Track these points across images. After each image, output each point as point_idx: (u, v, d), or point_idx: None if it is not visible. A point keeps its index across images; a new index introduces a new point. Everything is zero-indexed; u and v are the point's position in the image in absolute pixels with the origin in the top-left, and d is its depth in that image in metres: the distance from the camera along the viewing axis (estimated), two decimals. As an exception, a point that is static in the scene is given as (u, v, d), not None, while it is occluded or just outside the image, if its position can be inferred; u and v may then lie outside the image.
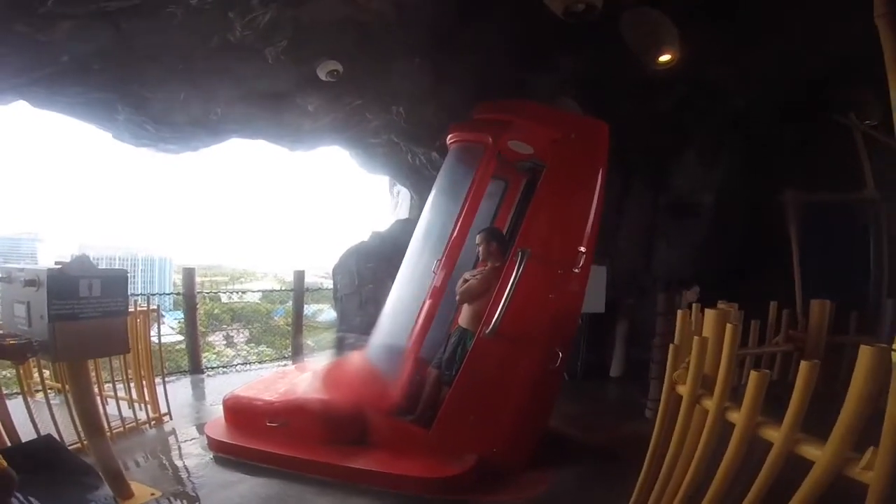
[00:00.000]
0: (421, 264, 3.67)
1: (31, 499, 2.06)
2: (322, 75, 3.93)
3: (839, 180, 4.36)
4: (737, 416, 1.66)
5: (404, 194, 7.34)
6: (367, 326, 4.47)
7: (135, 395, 3.76)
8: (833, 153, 4.47)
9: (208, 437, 3.36)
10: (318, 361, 4.72)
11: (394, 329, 3.59)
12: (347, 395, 3.33)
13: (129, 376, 3.74)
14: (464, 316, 3.40)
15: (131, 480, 2.67)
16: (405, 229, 5.56)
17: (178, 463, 3.23)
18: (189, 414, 4.15)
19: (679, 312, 2.18)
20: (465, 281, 3.40)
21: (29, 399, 3.06)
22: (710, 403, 1.77)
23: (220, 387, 4.69)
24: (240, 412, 3.43)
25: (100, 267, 2.54)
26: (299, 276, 6.49)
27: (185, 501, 2.75)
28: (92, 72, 3.52)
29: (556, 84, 4.66)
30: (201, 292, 7.34)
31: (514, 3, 3.79)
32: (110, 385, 3.69)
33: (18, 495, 2.00)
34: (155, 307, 4.17)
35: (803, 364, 1.47)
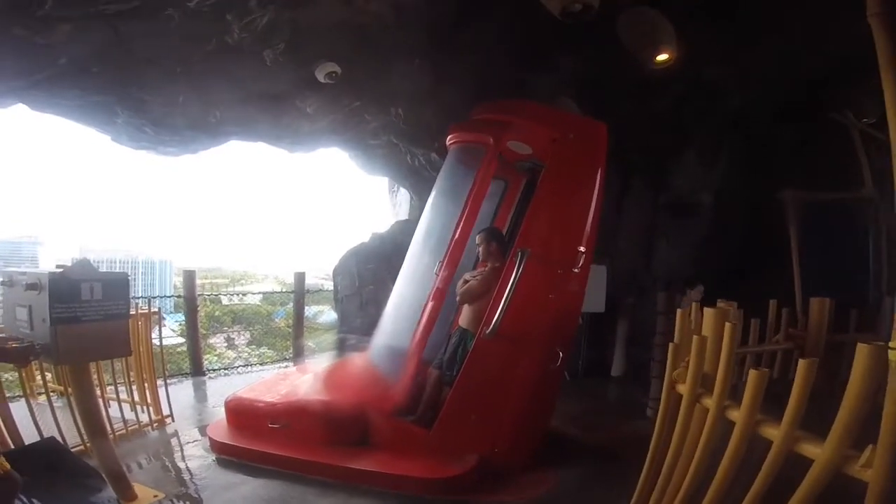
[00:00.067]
0: (422, 265, 3.67)
1: (35, 501, 2.07)
2: (320, 77, 3.94)
3: (839, 180, 4.37)
4: (737, 415, 1.66)
5: (404, 195, 7.35)
6: (368, 328, 4.48)
7: (137, 398, 3.77)
8: (833, 153, 4.48)
9: (210, 438, 3.36)
10: (320, 363, 4.72)
11: (396, 331, 3.60)
12: (349, 397, 3.34)
13: (131, 379, 3.74)
14: (464, 316, 3.41)
15: (134, 482, 2.68)
16: (405, 230, 5.57)
17: (181, 465, 3.23)
18: (191, 416, 4.15)
19: (678, 311, 2.18)
20: (466, 282, 3.40)
21: (31, 402, 3.07)
22: (709, 402, 1.78)
23: (222, 389, 4.69)
24: (242, 414, 3.44)
25: (101, 270, 2.55)
26: (300, 277, 6.50)
27: (187, 503, 2.76)
28: (90, 74, 3.52)
29: (556, 84, 4.65)
30: (202, 295, 7.33)
31: (513, 3, 3.79)
32: (112, 387, 3.70)
33: (22, 497, 2.00)
34: (156, 310, 4.18)
35: (801, 362, 1.47)
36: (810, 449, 1.44)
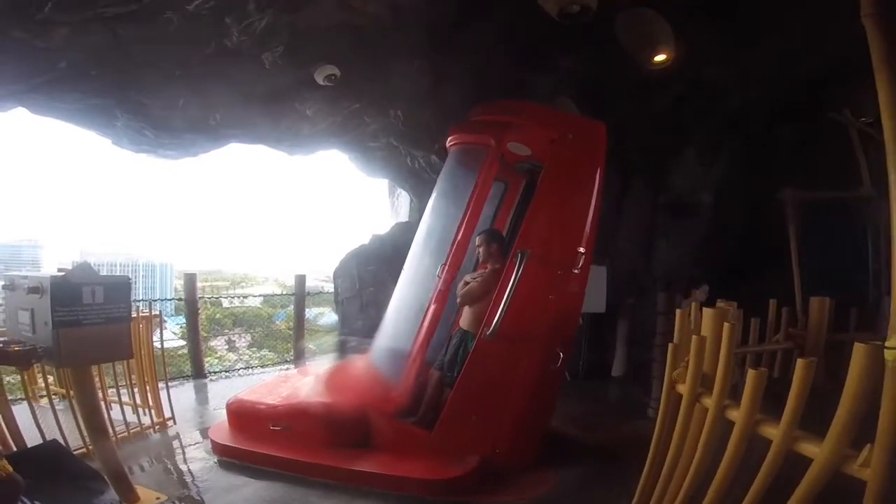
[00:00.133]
0: (423, 268, 3.67)
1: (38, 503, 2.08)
2: (319, 80, 3.94)
3: (839, 180, 4.37)
4: (736, 414, 1.67)
5: (404, 197, 7.35)
6: (369, 329, 4.48)
7: (139, 400, 3.78)
8: (832, 152, 4.48)
9: (212, 441, 3.37)
10: (321, 365, 4.72)
11: (397, 333, 3.60)
12: (350, 399, 3.34)
13: (133, 381, 3.75)
14: (465, 318, 3.41)
15: (136, 485, 2.69)
16: (405, 232, 5.58)
17: (183, 467, 3.24)
18: (193, 418, 4.16)
19: (678, 312, 2.19)
20: (466, 283, 3.41)
21: (34, 404, 3.08)
22: (709, 402, 1.78)
23: (223, 391, 4.70)
24: (243, 416, 3.44)
25: (101, 273, 2.56)
26: (300, 280, 6.50)
27: (189, 505, 2.76)
28: (90, 78, 3.53)
29: (556, 84, 4.66)
30: (203, 297, 7.35)
31: (513, 4, 3.80)
32: (114, 390, 3.70)
33: (25, 500, 2.01)
34: (157, 313, 4.18)
35: (800, 362, 1.48)
36: (809, 448, 1.44)
